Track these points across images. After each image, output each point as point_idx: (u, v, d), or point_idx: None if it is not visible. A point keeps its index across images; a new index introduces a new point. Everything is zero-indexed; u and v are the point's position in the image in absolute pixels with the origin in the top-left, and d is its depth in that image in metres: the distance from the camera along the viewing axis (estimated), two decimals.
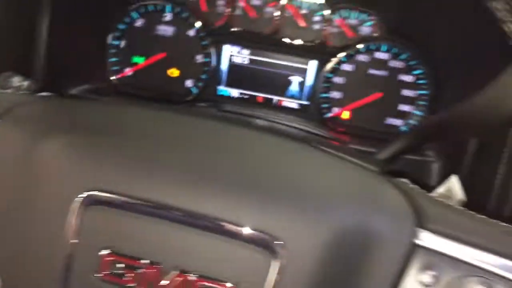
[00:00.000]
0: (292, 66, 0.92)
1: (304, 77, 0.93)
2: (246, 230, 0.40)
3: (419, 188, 0.48)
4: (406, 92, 0.91)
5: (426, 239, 0.42)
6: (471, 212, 0.46)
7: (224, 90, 0.94)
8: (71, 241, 0.41)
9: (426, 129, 0.73)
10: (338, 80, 0.92)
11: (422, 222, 0.43)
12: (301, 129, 0.88)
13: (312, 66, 0.92)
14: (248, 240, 0.40)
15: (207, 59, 0.92)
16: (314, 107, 0.93)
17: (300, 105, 0.94)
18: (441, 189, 0.68)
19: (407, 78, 0.91)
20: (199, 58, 0.92)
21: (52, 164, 0.42)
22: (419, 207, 0.44)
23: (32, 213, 0.42)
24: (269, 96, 0.94)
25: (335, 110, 0.93)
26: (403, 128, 0.91)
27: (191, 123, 0.48)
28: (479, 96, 0.53)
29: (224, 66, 0.93)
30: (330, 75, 0.91)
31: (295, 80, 0.93)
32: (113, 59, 0.92)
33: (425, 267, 0.42)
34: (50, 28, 0.72)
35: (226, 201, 0.41)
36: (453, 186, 0.70)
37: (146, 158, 0.42)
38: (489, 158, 0.72)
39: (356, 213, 0.42)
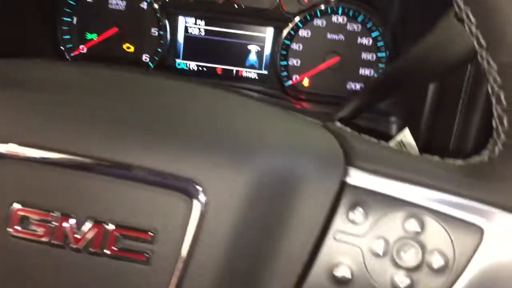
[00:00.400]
0: (249, 35, 0.91)
1: (262, 46, 0.91)
2: (163, 176, 0.39)
3: (355, 131, 0.47)
4: (366, 55, 0.90)
5: (356, 177, 0.41)
6: (405, 150, 0.45)
7: (182, 63, 0.93)
8: None
9: (379, 83, 0.73)
10: (295, 46, 0.90)
11: (352, 161, 0.42)
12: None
13: (269, 33, 0.90)
14: (166, 186, 0.39)
15: (162, 32, 0.90)
16: (274, 76, 0.92)
17: (260, 74, 0.93)
18: (392, 143, 0.67)
19: (366, 41, 0.90)
20: (154, 31, 0.91)
21: None
22: (350, 147, 0.43)
23: None
24: (228, 67, 0.93)
25: (295, 77, 0.92)
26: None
27: (111, 74, 0.46)
28: (424, 42, 0.53)
29: (180, 38, 0.91)
30: (287, 42, 0.90)
31: (254, 49, 0.92)
32: (66, 37, 0.90)
33: (354, 205, 0.41)
34: None
35: (140, 146, 0.39)
36: (405, 138, 0.69)
37: (57, 108, 0.41)
38: (447, 106, 0.72)
39: (281, 155, 0.41)
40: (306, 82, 0.92)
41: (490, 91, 0.39)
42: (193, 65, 0.93)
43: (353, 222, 0.40)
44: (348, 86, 0.91)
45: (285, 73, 0.92)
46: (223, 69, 0.93)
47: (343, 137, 0.44)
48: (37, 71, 0.46)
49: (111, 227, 0.39)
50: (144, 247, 0.39)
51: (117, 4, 0.90)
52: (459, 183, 0.40)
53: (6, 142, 0.39)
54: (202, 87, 0.46)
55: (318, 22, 0.89)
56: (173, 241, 0.39)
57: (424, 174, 0.41)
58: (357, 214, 0.40)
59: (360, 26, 0.89)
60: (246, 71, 0.93)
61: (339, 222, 0.41)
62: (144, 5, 0.90)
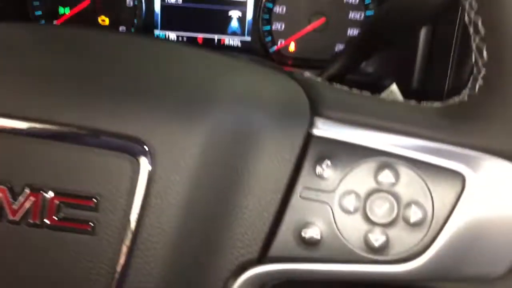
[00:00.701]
0: (229, 0, 0.86)
1: (244, 11, 0.86)
2: (104, 135, 0.35)
3: (325, 81, 0.43)
4: (353, 15, 0.85)
5: (323, 127, 0.37)
6: (377, 96, 0.40)
7: (161, 34, 0.88)
8: None
9: (361, 40, 0.68)
10: (278, 9, 0.85)
11: (318, 110, 0.37)
12: None
13: None
14: (108, 146, 0.35)
15: (137, 2, 0.86)
16: (258, 42, 0.87)
17: (243, 41, 0.88)
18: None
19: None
20: (129, 1, 0.86)
21: None
22: (318, 96, 0.39)
23: None
24: (209, 36, 0.88)
25: (280, 42, 0.87)
26: None
27: (42, 31, 0.42)
28: None
29: (157, 8, 0.87)
30: (269, 5, 0.85)
31: (235, 15, 0.87)
32: (38, 12, 0.86)
33: (322, 158, 0.36)
34: None
35: (76, 104, 0.35)
36: (392, 93, 0.65)
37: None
38: (440, 56, 0.67)
39: (237, 106, 0.37)
40: (292, 46, 0.87)
41: (467, 20, 0.34)
42: (172, 35, 0.88)
43: (320, 176, 0.36)
44: (336, 48, 0.86)
45: (269, 39, 0.87)
46: (204, 38, 0.88)
47: (311, 86, 0.40)
48: None
49: (50, 195, 0.35)
50: (88, 215, 0.35)
51: None
52: (435, 127, 0.35)
53: None
54: (144, 39, 0.41)
55: None
56: (120, 208, 0.35)
57: (397, 120, 0.36)
58: (325, 167, 0.36)
59: None
60: (229, 39, 0.88)
61: (306, 178, 0.37)
62: None
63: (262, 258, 0.37)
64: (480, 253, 0.34)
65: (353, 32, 0.86)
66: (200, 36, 0.88)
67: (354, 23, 0.85)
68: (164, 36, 0.88)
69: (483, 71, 0.34)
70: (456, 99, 0.37)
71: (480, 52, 0.34)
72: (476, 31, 0.33)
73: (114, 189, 0.35)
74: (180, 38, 0.88)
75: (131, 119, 0.35)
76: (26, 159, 0.35)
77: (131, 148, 0.35)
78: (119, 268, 0.35)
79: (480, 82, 0.34)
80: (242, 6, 0.86)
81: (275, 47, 0.87)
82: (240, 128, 0.36)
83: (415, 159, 0.35)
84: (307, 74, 0.44)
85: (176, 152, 0.35)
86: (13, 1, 0.85)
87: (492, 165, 0.34)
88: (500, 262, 0.34)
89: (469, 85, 0.36)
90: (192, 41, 0.88)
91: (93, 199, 0.35)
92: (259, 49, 0.87)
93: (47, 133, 0.35)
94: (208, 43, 0.88)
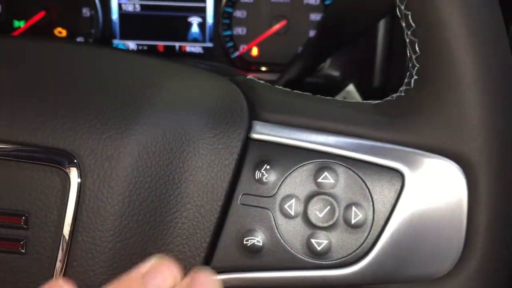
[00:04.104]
0: (188, 6, 0.85)
1: (203, 17, 0.85)
2: (30, 148, 0.33)
3: (267, 83, 0.42)
4: (314, 16, 0.84)
5: (261, 130, 0.36)
6: (319, 96, 0.39)
7: (120, 43, 0.87)
8: None
9: (316, 40, 0.67)
10: (239, 14, 0.85)
11: (257, 113, 0.36)
12: None
13: (209, 2, 0.84)
14: (36, 159, 0.33)
15: (94, 12, 0.84)
16: (219, 48, 0.86)
17: (205, 48, 0.87)
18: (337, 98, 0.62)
19: (313, 0, 0.84)
20: (86, 11, 0.85)
21: None
22: (258, 98, 0.38)
23: None
24: (171, 44, 0.87)
25: (242, 47, 0.86)
26: None
27: None
28: None
29: (115, 16, 0.85)
30: (229, 10, 0.84)
31: (195, 21, 0.86)
32: None
33: (261, 163, 0.35)
34: None
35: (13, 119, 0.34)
36: (349, 94, 0.64)
37: None
38: (399, 53, 0.67)
39: (170, 112, 0.35)
40: (254, 51, 0.86)
41: (398, 15, 0.34)
42: (132, 44, 0.87)
43: (260, 181, 0.35)
44: (298, 51, 0.86)
45: (231, 44, 0.86)
46: (164, 46, 0.87)
47: (250, 88, 0.39)
48: None
49: None
50: (18, 233, 0.34)
51: None
52: (373, 125, 0.35)
53: None
54: (72, 44, 0.40)
55: None
56: (51, 224, 0.33)
57: (335, 119, 0.35)
58: (264, 172, 0.35)
59: None
60: (190, 46, 0.87)
61: (245, 183, 0.35)
62: None
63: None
64: (423, 253, 0.33)
65: (312, 32, 0.85)
66: (160, 44, 0.87)
67: (315, 25, 0.85)
68: (123, 46, 0.87)
69: (416, 65, 0.33)
70: (394, 95, 0.36)
71: (413, 46, 0.33)
72: (408, 25, 0.33)
73: (43, 204, 0.33)
74: (140, 47, 0.87)
75: (57, 130, 0.34)
76: None
77: (60, 160, 0.33)
78: None
79: (415, 77, 0.33)
80: (201, 12, 0.85)
81: (237, 53, 0.86)
82: (175, 135, 0.35)
83: (353, 159, 0.34)
84: (250, 77, 0.43)
85: (106, 163, 0.33)
86: None
87: (429, 162, 0.33)
88: (443, 261, 0.33)
89: (406, 80, 0.35)
90: (152, 49, 0.87)
91: (22, 216, 0.33)
92: (221, 55, 0.86)
93: None
94: (169, 50, 0.87)
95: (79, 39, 0.86)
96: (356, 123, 0.35)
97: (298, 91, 0.40)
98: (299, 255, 0.34)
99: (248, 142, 0.36)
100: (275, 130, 0.36)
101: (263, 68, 0.86)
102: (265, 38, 0.85)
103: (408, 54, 0.34)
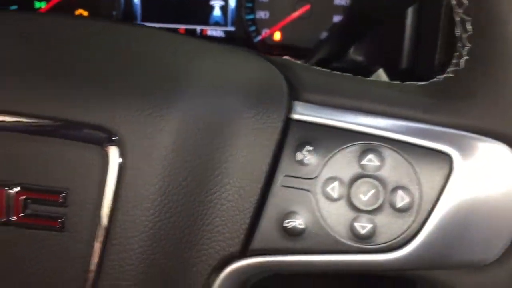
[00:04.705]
0: None
1: (225, 0, 0.84)
2: (71, 126, 0.33)
3: (304, 63, 0.41)
4: (338, 1, 0.83)
5: (302, 111, 0.35)
6: (360, 77, 0.38)
7: None
8: None
9: (344, 25, 0.66)
10: None
11: (297, 93, 0.36)
12: None
13: None
14: (75, 137, 0.33)
15: None
16: (241, 32, 0.85)
17: (226, 32, 0.86)
18: None
19: None
20: None
21: None
22: (297, 78, 0.37)
23: None
24: (191, 27, 0.86)
25: (264, 31, 0.85)
26: None
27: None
28: None
29: None
30: None
31: (217, 4, 0.85)
32: (13, 7, 0.84)
33: (302, 144, 0.35)
34: None
35: (39, 93, 0.33)
36: (379, 78, 0.63)
37: None
38: (428, 36, 0.66)
39: (210, 92, 0.35)
40: (277, 35, 0.85)
41: None
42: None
43: (301, 163, 0.34)
44: (322, 36, 0.84)
45: (253, 28, 0.85)
46: (186, 29, 0.86)
47: (289, 68, 0.38)
48: None
49: (15, 190, 0.33)
50: (57, 211, 0.33)
51: None
52: (420, 107, 0.34)
53: None
54: (107, 23, 0.39)
55: None
56: (90, 202, 0.33)
57: (380, 100, 0.35)
58: (306, 153, 0.34)
59: None
60: (211, 29, 0.86)
61: (286, 165, 0.35)
62: None
63: (244, 251, 0.35)
64: (471, 239, 0.33)
65: (338, 18, 0.84)
66: (181, 27, 0.86)
67: (339, 10, 0.83)
68: None
69: (467, 45, 0.32)
70: (441, 77, 0.35)
71: (464, 25, 0.32)
72: (460, 3, 0.32)
73: (83, 182, 0.33)
74: None
75: (98, 108, 0.33)
76: None
77: (100, 138, 0.33)
78: (92, 266, 0.33)
79: (465, 57, 0.32)
80: None
81: (259, 37, 0.85)
82: (214, 114, 0.34)
83: (400, 141, 0.34)
84: (286, 57, 0.42)
85: (146, 141, 0.33)
86: None
87: (480, 145, 0.32)
88: (492, 248, 0.33)
89: (454, 60, 0.34)
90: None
91: (62, 194, 0.33)
92: (243, 39, 0.85)
93: (10, 126, 0.33)
94: (190, 34, 0.86)
95: None
96: (402, 104, 0.34)
97: (338, 72, 0.39)
98: (342, 239, 0.34)
99: (289, 122, 0.35)
100: (317, 111, 0.35)
101: (286, 53, 0.84)
102: (288, 23, 0.84)
103: (458, 34, 0.33)
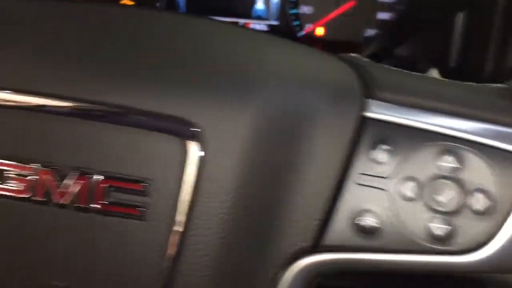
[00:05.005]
0: None
1: None
2: (153, 117, 0.33)
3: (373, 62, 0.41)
4: None
5: (377, 109, 0.35)
6: (433, 77, 0.38)
7: None
8: None
9: (395, 24, 0.66)
10: None
11: (372, 91, 0.36)
12: None
13: None
14: (158, 128, 0.33)
15: None
16: (285, 27, 0.85)
17: (269, 26, 0.86)
18: None
19: None
20: None
21: None
22: (370, 76, 0.37)
23: None
24: (234, 20, 0.86)
25: (308, 26, 0.85)
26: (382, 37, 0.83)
27: (87, 8, 0.40)
28: None
29: None
30: None
31: None
32: None
33: (378, 142, 0.35)
34: None
35: (125, 85, 0.34)
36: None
37: (29, 46, 0.36)
38: (479, 35, 0.65)
39: (287, 88, 0.35)
40: (320, 31, 0.85)
41: None
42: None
43: (377, 161, 0.35)
44: (365, 33, 0.84)
45: (297, 22, 0.85)
46: (228, 22, 0.86)
47: (361, 67, 0.38)
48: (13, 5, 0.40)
49: (98, 178, 0.34)
50: (138, 200, 0.34)
51: None
52: (500, 109, 0.34)
53: None
54: (190, 18, 0.40)
55: None
56: (171, 192, 0.34)
57: (458, 101, 0.35)
58: (382, 152, 0.34)
59: None
60: (254, 23, 0.86)
61: (361, 163, 0.35)
62: None
63: (315, 247, 0.35)
64: None
65: (383, 15, 0.83)
66: (224, 20, 0.86)
67: (383, 7, 0.83)
68: None
69: None
70: None
71: None
72: None
73: (164, 173, 0.34)
74: None
75: (181, 100, 0.34)
76: (74, 141, 0.34)
77: (181, 130, 0.33)
78: (170, 255, 0.34)
79: None
80: None
81: (303, 32, 0.85)
82: (291, 110, 0.34)
83: (480, 143, 0.34)
84: (355, 55, 0.42)
85: (226, 135, 0.33)
86: None
87: None
88: None
89: None
90: None
91: (143, 183, 0.34)
92: (286, 33, 0.85)
93: (95, 114, 0.34)
94: None
95: None
96: (481, 106, 0.34)
97: (409, 71, 0.39)
98: (418, 239, 0.34)
99: (363, 120, 0.35)
100: (393, 110, 0.35)
101: (329, 48, 0.84)
102: (332, 18, 0.83)
103: None
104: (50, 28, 0.37)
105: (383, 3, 0.83)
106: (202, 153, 0.33)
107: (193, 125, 0.33)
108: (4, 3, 0.38)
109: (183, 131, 0.33)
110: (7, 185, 0.34)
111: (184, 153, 0.33)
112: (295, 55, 0.38)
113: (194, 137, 0.33)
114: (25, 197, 0.34)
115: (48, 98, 0.33)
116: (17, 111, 0.34)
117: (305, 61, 0.38)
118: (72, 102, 0.33)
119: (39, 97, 0.34)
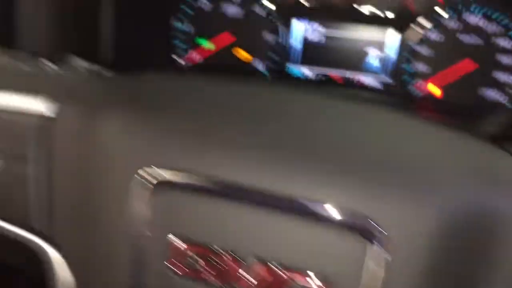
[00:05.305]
0: (370, 40, 0.83)
1: (383, 50, 0.84)
2: (338, 213, 0.33)
3: None
4: (502, 58, 0.80)
5: None
6: None
7: (295, 68, 0.87)
8: (137, 224, 0.36)
9: None
10: (423, 51, 0.82)
11: None
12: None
13: (392, 36, 0.82)
14: (341, 225, 0.33)
15: (280, 39, 0.85)
16: (399, 84, 0.84)
17: (383, 83, 0.85)
18: None
19: (502, 42, 0.79)
20: (268, 36, 0.86)
21: (111, 143, 0.37)
22: None
23: (96, 195, 0.37)
24: (346, 74, 0.85)
25: (423, 85, 0.83)
26: (502, 100, 0.80)
27: (256, 92, 0.41)
28: None
29: (297, 43, 0.85)
30: (414, 46, 0.82)
31: (375, 53, 0.84)
32: (177, 41, 0.88)
33: None
34: (114, 12, 0.69)
35: (312, 178, 0.34)
36: None
37: (217, 134, 0.36)
38: None
39: (473, 189, 0.34)
40: (437, 91, 0.83)
41: None
42: (310, 73, 0.86)
43: None
44: (483, 94, 0.81)
45: (411, 80, 0.83)
46: (343, 78, 0.86)
47: None
48: (170, 86, 0.41)
49: (276, 266, 0.33)
50: None
51: (231, 8, 0.86)
52: None
53: (157, 166, 0.35)
54: (358, 106, 0.39)
55: (449, 22, 0.80)
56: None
57: None
58: None
59: (496, 25, 0.79)
60: (367, 79, 0.85)
61: None
62: (260, 11, 0.85)
63: None
64: None
65: (501, 76, 0.80)
66: (336, 73, 0.86)
67: (502, 67, 0.80)
68: (298, 72, 0.87)
69: None
70: None
71: None
72: None
73: (347, 272, 0.33)
74: (318, 76, 0.86)
75: (361, 197, 0.33)
76: (257, 231, 0.34)
77: (366, 229, 0.33)
78: None
79: None
80: (381, 45, 0.83)
81: (418, 91, 0.83)
82: (475, 209, 0.33)
83: None
84: None
85: (410, 234, 0.32)
86: (158, 31, 0.86)
87: None
88: None
89: None
90: (329, 80, 0.86)
91: (325, 281, 0.33)
92: (400, 91, 0.84)
93: (282, 206, 0.34)
94: (347, 82, 0.86)
95: (258, 61, 0.87)
96: None
97: None
98: None
99: None
100: None
101: (445, 110, 0.82)
102: (449, 79, 0.81)
103: None
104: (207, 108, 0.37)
105: (502, 64, 0.80)
106: (386, 254, 0.32)
107: (375, 225, 0.32)
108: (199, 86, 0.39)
109: (367, 230, 0.33)
110: (193, 268, 0.35)
111: (367, 253, 0.33)
112: (469, 148, 0.37)
113: (376, 237, 0.32)
114: (208, 279, 0.34)
115: (233, 190, 0.34)
116: (200, 198, 0.35)
117: (481, 157, 0.36)
118: (258, 194, 0.33)
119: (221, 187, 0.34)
